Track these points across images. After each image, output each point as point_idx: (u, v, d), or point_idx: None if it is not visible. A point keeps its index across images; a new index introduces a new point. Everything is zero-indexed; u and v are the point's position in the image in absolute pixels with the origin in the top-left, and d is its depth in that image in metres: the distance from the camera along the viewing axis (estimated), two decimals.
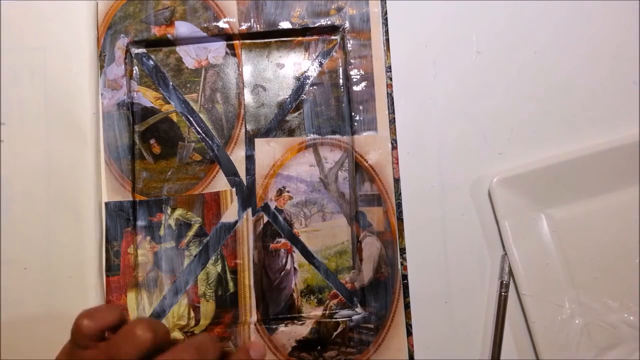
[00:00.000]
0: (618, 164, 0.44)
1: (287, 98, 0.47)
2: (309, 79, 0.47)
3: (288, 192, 0.46)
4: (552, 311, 0.44)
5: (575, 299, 0.44)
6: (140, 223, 0.46)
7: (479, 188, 0.46)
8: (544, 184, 0.44)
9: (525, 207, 0.44)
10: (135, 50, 0.47)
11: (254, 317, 0.45)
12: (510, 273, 0.44)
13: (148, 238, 0.46)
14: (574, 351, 0.43)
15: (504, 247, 0.44)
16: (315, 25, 0.46)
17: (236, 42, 0.47)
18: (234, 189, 0.46)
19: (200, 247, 0.46)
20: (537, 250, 0.44)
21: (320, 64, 0.47)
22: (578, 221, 0.45)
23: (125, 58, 0.46)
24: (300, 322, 0.44)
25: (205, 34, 0.46)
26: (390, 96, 0.46)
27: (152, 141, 0.47)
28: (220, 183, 0.46)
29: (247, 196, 0.46)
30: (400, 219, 0.45)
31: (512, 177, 0.44)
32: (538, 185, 0.44)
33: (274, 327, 0.44)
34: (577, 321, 0.44)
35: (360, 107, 0.46)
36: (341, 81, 0.47)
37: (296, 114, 0.47)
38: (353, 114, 0.46)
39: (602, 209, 0.45)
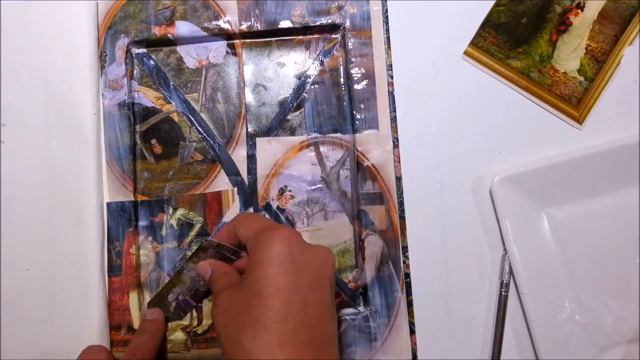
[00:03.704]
0: (619, 164, 0.44)
1: (288, 97, 0.47)
2: (309, 78, 0.47)
3: (290, 191, 0.46)
4: (551, 310, 0.44)
5: (575, 299, 0.44)
6: (142, 223, 0.46)
7: (479, 187, 0.46)
8: (546, 184, 0.44)
9: (527, 206, 0.45)
10: (135, 50, 0.47)
11: None
12: (511, 272, 0.44)
13: (150, 238, 0.46)
14: (574, 350, 0.43)
15: (504, 246, 0.44)
16: (316, 24, 0.46)
17: (237, 41, 0.47)
18: (235, 189, 0.46)
19: None
20: (538, 250, 0.44)
21: (321, 63, 0.47)
22: (579, 221, 0.45)
23: (126, 58, 0.46)
24: None
25: (205, 34, 0.46)
26: (391, 94, 0.46)
27: (153, 141, 0.47)
28: (221, 182, 0.46)
29: (248, 196, 0.46)
30: (402, 217, 0.45)
31: (513, 176, 0.44)
32: (539, 184, 0.44)
33: None
34: (576, 320, 0.44)
35: (362, 106, 0.46)
36: (342, 80, 0.47)
37: (297, 112, 0.47)
38: (354, 112, 0.46)
39: (603, 209, 0.45)
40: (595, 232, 0.45)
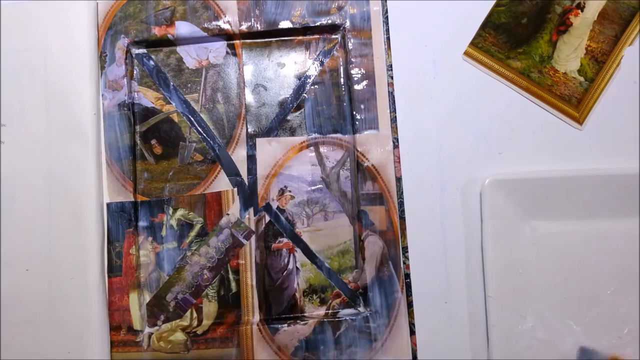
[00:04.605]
0: (613, 192, 0.44)
1: (288, 97, 0.47)
2: (310, 78, 0.47)
3: (290, 191, 0.46)
4: (513, 320, 0.43)
5: (540, 314, 0.44)
6: (141, 224, 0.46)
7: (479, 187, 0.46)
8: (536, 195, 0.44)
9: (512, 213, 0.44)
10: (135, 51, 0.47)
11: (256, 317, 0.45)
12: None
13: (150, 238, 0.46)
14: None
15: (482, 249, 0.44)
16: (316, 25, 0.46)
17: (237, 41, 0.47)
18: (235, 189, 0.46)
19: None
20: (514, 258, 0.44)
21: (321, 63, 0.47)
22: (561, 239, 0.45)
23: (126, 58, 0.46)
24: (303, 322, 0.44)
25: (205, 34, 0.46)
26: (391, 95, 0.46)
27: (153, 141, 0.47)
28: (221, 183, 0.46)
29: (248, 196, 0.46)
30: (402, 218, 0.45)
31: (506, 180, 0.44)
32: (530, 194, 0.44)
33: (276, 327, 0.44)
34: (536, 336, 0.43)
35: (362, 106, 0.46)
36: (342, 80, 0.47)
37: (297, 113, 0.47)
38: (354, 112, 0.46)
39: (587, 233, 0.44)
40: (573, 254, 0.44)
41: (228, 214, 0.46)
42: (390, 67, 0.46)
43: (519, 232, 0.44)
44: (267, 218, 0.46)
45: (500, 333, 0.43)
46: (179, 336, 0.44)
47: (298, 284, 0.46)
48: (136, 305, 0.44)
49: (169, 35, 0.46)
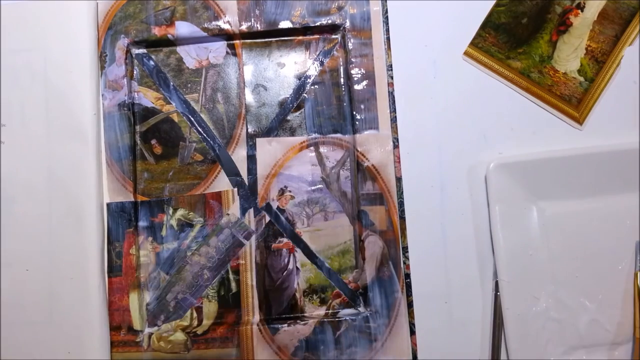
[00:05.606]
0: (616, 168, 0.44)
1: (288, 97, 0.47)
2: (310, 78, 0.47)
3: (290, 191, 0.46)
4: (527, 301, 0.43)
5: (553, 294, 0.44)
6: (142, 224, 0.46)
7: (479, 188, 0.46)
8: (541, 177, 0.44)
9: (519, 196, 0.44)
10: (135, 51, 0.47)
11: (256, 317, 0.45)
12: None
13: (150, 239, 0.46)
14: (543, 344, 0.43)
15: (491, 233, 0.44)
16: (316, 25, 0.46)
17: (237, 41, 0.47)
18: (235, 189, 0.46)
19: None
20: (523, 240, 0.44)
21: (321, 63, 0.47)
22: (568, 219, 0.45)
23: (126, 58, 0.46)
24: (303, 322, 0.44)
25: (205, 34, 0.46)
26: (391, 95, 0.46)
27: (153, 141, 0.47)
28: (221, 183, 0.46)
29: (248, 196, 0.46)
30: (402, 218, 0.45)
31: (510, 164, 0.44)
32: (535, 176, 0.44)
33: (276, 327, 0.44)
34: (551, 316, 0.44)
35: (362, 106, 0.46)
36: (342, 80, 0.47)
37: (297, 113, 0.47)
38: (354, 112, 0.46)
39: (594, 210, 0.45)
40: (582, 233, 0.45)
41: (228, 214, 0.46)
42: (390, 67, 0.46)
43: (526, 214, 0.45)
44: (267, 218, 0.46)
45: (515, 315, 0.43)
46: (179, 336, 0.44)
47: (298, 284, 0.46)
48: (136, 305, 0.44)
49: (169, 35, 0.46)
